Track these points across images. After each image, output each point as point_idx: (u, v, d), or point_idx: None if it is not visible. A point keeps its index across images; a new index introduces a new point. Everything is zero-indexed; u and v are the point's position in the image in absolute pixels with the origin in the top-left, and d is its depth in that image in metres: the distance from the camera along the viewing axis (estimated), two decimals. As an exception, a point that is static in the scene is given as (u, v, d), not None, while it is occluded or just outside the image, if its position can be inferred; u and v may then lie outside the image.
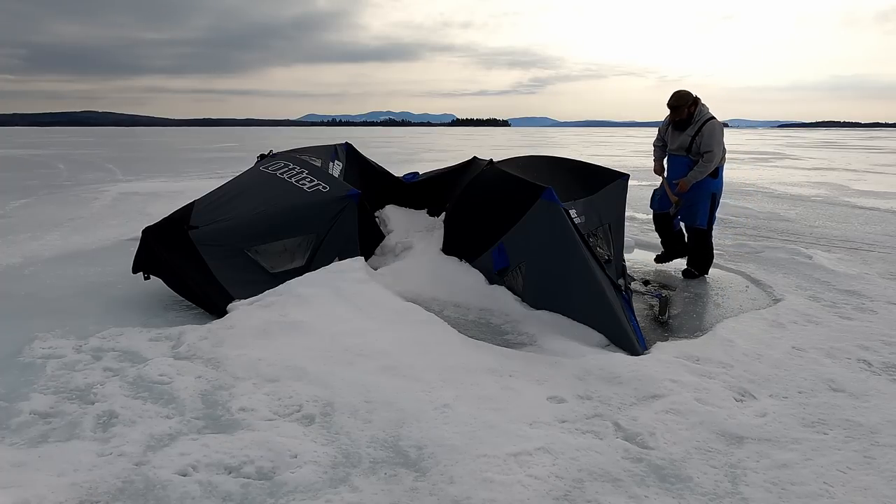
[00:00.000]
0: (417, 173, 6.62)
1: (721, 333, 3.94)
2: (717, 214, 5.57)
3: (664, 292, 4.73)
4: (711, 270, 5.59)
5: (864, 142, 48.84)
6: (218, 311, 4.13)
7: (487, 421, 2.73)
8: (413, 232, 5.68)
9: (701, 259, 5.50)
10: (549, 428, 2.73)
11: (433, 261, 5.03)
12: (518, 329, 4.03)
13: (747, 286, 5.25)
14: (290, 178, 5.12)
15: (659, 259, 5.95)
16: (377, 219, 5.73)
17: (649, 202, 5.75)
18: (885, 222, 8.63)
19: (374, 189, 5.94)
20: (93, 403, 2.91)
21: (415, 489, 2.28)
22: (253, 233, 4.61)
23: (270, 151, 5.91)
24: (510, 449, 2.51)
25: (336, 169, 5.99)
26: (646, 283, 5.21)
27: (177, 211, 4.78)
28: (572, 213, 4.36)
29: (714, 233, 5.58)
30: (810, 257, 6.07)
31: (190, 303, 4.45)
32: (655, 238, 6.04)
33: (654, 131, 5.80)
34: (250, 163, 5.97)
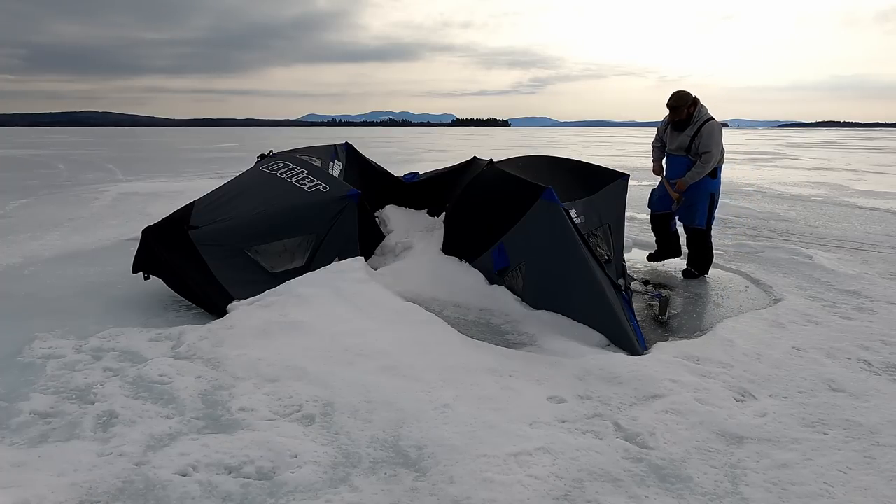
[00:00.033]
0: (417, 173, 6.62)
1: (721, 333, 3.94)
2: (717, 214, 5.57)
3: (664, 292, 4.73)
4: (711, 270, 5.60)
5: (864, 142, 48.83)
6: (218, 311, 4.13)
7: (487, 421, 2.73)
8: (413, 232, 5.68)
9: (701, 259, 5.50)
10: (549, 428, 2.73)
11: (433, 261, 5.03)
12: (518, 329, 4.03)
13: (747, 286, 5.25)
14: (290, 178, 5.12)
15: (651, 258, 5.95)
16: (377, 219, 5.73)
17: (647, 202, 5.75)
18: (885, 222, 8.62)
19: (374, 189, 5.95)
20: (93, 403, 2.91)
21: (415, 489, 2.28)
22: (253, 233, 4.61)
23: (270, 151, 5.91)
24: (510, 449, 2.50)
25: (336, 169, 5.99)
26: (646, 283, 5.21)
27: (177, 211, 4.78)
28: (572, 213, 4.36)
29: (714, 233, 5.58)
30: (810, 257, 6.07)
31: (190, 303, 4.45)
32: (654, 238, 6.03)
33: (654, 131, 5.79)
34: (250, 163, 5.97)
